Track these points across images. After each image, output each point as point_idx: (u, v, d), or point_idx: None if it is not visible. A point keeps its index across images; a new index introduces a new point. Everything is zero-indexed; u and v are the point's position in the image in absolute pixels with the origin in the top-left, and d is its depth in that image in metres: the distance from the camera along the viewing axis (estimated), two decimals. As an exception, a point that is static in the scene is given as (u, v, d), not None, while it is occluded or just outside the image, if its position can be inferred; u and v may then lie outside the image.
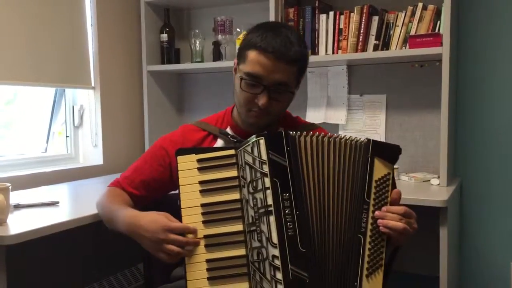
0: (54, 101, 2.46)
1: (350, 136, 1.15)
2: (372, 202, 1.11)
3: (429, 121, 2.26)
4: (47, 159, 2.38)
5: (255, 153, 1.10)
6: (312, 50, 2.28)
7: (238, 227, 1.12)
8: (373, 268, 1.08)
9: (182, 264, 1.15)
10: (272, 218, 1.06)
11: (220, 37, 2.50)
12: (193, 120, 1.53)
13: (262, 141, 1.10)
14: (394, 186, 1.15)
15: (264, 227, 1.06)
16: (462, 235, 2.29)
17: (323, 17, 2.26)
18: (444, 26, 1.96)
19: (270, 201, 1.06)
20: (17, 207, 1.62)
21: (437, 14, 2.05)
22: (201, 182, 1.15)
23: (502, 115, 2.19)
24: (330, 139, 1.13)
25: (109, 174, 2.47)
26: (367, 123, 2.40)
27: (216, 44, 2.56)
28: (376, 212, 1.10)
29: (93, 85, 2.47)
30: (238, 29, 2.48)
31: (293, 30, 1.32)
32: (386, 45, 2.15)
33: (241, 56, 1.31)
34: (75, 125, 2.51)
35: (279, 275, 1.03)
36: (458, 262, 2.26)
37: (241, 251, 1.11)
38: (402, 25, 2.11)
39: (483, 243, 2.26)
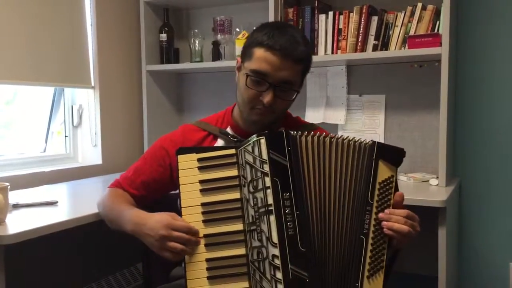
0: (53, 101, 2.46)
1: (354, 137, 1.15)
2: (375, 204, 1.11)
3: (428, 121, 2.26)
4: (46, 158, 2.38)
5: (256, 152, 1.10)
6: (311, 51, 2.27)
7: (238, 226, 1.12)
8: (375, 270, 1.08)
9: (181, 263, 1.15)
10: (272, 218, 1.05)
11: (219, 37, 2.50)
12: (192, 119, 1.54)
13: (262, 141, 1.10)
14: (396, 188, 1.16)
15: (264, 227, 1.06)
16: (461, 235, 2.29)
17: (322, 17, 2.26)
18: (443, 26, 1.97)
19: (270, 200, 1.06)
20: (16, 206, 1.62)
21: (436, 14, 2.05)
22: (201, 181, 1.15)
23: (501, 115, 2.19)
24: (332, 140, 1.13)
25: (108, 174, 2.47)
26: (366, 123, 2.40)
27: (216, 44, 2.56)
28: (381, 214, 1.10)
29: (92, 84, 2.47)
30: (237, 29, 2.48)
31: (299, 30, 1.33)
32: (385, 45, 2.16)
33: (246, 54, 1.30)
34: (74, 124, 2.51)
35: (279, 275, 1.03)
36: (457, 262, 2.27)
37: (241, 251, 1.11)
38: (401, 25, 2.11)
39: (482, 243, 2.26)
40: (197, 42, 2.59)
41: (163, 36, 2.67)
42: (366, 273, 1.08)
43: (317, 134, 1.13)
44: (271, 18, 2.26)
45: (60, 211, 1.63)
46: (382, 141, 2.29)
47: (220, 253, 1.11)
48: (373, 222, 1.10)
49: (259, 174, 1.09)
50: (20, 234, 1.32)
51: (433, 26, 2.05)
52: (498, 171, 2.21)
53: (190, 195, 1.15)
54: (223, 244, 1.12)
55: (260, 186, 1.08)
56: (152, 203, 1.41)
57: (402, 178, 2.15)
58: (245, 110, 1.32)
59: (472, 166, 2.26)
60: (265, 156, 1.09)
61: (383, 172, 1.13)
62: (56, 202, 1.70)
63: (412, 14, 2.09)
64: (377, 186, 1.12)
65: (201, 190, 1.15)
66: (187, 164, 1.17)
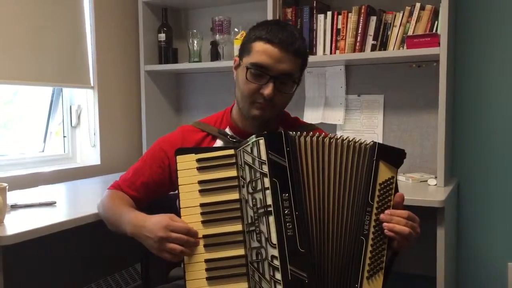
0: (52, 101, 2.46)
1: (354, 138, 1.15)
2: (375, 205, 1.11)
3: (426, 121, 2.26)
4: (45, 159, 2.37)
5: (255, 153, 1.10)
6: (310, 50, 2.28)
7: (237, 227, 1.12)
8: (374, 271, 1.08)
9: (180, 264, 1.15)
10: (271, 218, 1.06)
11: (218, 37, 2.50)
12: (191, 120, 1.54)
13: (261, 141, 1.10)
14: (397, 189, 1.16)
15: (263, 227, 1.06)
16: (459, 235, 2.30)
17: (321, 17, 2.26)
18: (442, 27, 1.97)
19: (269, 201, 1.06)
20: (14, 207, 1.62)
21: (435, 14, 2.05)
22: (200, 182, 1.15)
23: (500, 115, 2.19)
24: (332, 140, 1.13)
25: (106, 174, 2.46)
26: (364, 124, 2.40)
27: (214, 44, 2.56)
28: (382, 215, 1.10)
29: (92, 84, 2.47)
30: (236, 29, 2.48)
31: (295, 27, 1.34)
32: (383, 46, 2.16)
33: (245, 50, 1.31)
34: (73, 125, 2.51)
35: (278, 275, 1.03)
36: (455, 262, 2.27)
37: (240, 251, 1.11)
38: (400, 25, 2.11)
39: (480, 243, 2.26)
40: (195, 42, 2.59)
41: (162, 36, 2.66)
42: (366, 274, 1.08)
43: (316, 135, 1.13)
44: (270, 18, 2.26)
45: (58, 211, 1.63)
46: (380, 141, 2.29)
47: (219, 253, 1.11)
48: (373, 223, 1.10)
49: (258, 174, 1.09)
50: (19, 235, 1.32)
51: (431, 26, 2.05)
52: (496, 171, 2.21)
53: (189, 195, 1.15)
54: (222, 245, 1.11)
55: (259, 186, 1.08)
56: (152, 204, 1.41)
57: (400, 178, 2.16)
58: (245, 105, 1.32)
59: (471, 166, 2.26)
60: (264, 156, 1.09)
61: (384, 173, 1.13)
62: (55, 202, 1.69)
63: (411, 14, 2.09)
64: (378, 187, 1.12)
65: (200, 191, 1.15)
66: (186, 165, 1.16)
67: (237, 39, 2.41)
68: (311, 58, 2.23)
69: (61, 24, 2.29)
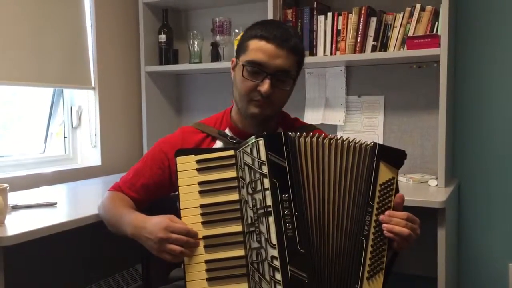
0: (52, 102, 2.46)
1: (354, 139, 1.15)
2: (376, 205, 1.11)
3: (427, 122, 2.26)
4: (45, 160, 2.38)
5: (254, 154, 1.10)
6: (310, 51, 2.28)
7: (237, 227, 1.12)
8: (374, 271, 1.09)
9: (180, 265, 1.15)
10: (271, 219, 1.06)
11: (218, 38, 2.50)
12: (191, 120, 1.54)
13: (261, 142, 1.10)
14: (397, 190, 1.16)
15: (263, 228, 1.07)
16: (460, 236, 2.30)
17: (321, 18, 2.26)
18: (442, 27, 1.97)
19: (269, 202, 1.06)
20: (15, 208, 1.62)
21: (435, 15, 2.06)
22: (200, 183, 1.15)
23: (500, 116, 2.19)
24: (331, 141, 1.13)
25: (107, 175, 2.47)
26: (365, 124, 2.40)
27: (215, 45, 2.56)
28: (381, 216, 1.10)
29: (93, 85, 2.47)
30: (236, 30, 2.48)
31: (290, 26, 1.34)
32: (384, 46, 2.16)
33: (241, 49, 1.31)
34: (73, 126, 2.51)
35: (278, 276, 1.03)
36: (456, 263, 2.27)
37: (240, 252, 1.11)
38: (400, 26, 2.11)
39: (481, 244, 2.26)
40: (196, 43, 2.59)
41: (162, 37, 2.67)
42: (366, 274, 1.08)
43: (316, 135, 1.13)
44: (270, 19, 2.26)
45: (59, 212, 1.64)
46: (381, 142, 2.30)
47: (219, 254, 1.11)
48: (373, 224, 1.10)
49: (257, 175, 1.09)
50: (19, 235, 1.32)
51: (431, 27, 2.05)
52: (497, 172, 2.21)
53: (189, 196, 1.15)
54: (222, 246, 1.12)
55: (259, 187, 1.08)
56: (152, 205, 1.41)
57: (401, 179, 2.15)
58: (243, 104, 1.32)
59: (471, 167, 2.26)
60: (263, 157, 1.09)
61: (384, 174, 1.13)
62: (55, 203, 1.70)
63: (411, 15, 2.09)
64: (378, 188, 1.12)
65: (200, 192, 1.15)
66: (186, 166, 1.17)
67: (237, 40, 2.41)
68: (311, 59, 2.27)
69: (61, 25, 2.29)
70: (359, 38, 2.18)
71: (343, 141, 1.13)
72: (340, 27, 2.22)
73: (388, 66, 2.32)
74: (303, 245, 1.05)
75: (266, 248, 1.05)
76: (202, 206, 1.14)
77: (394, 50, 2.13)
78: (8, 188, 1.44)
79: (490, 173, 2.22)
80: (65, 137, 2.50)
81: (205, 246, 1.12)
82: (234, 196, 1.14)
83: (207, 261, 1.11)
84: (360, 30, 2.17)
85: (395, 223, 1.10)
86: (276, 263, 1.04)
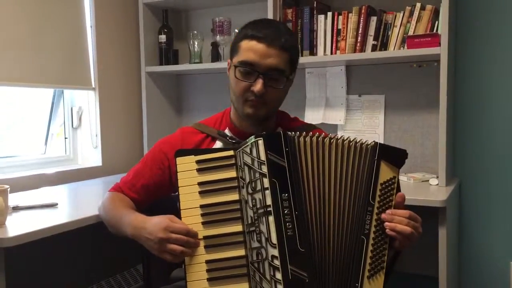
0: (53, 103, 2.47)
1: (355, 138, 1.15)
2: (376, 204, 1.11)
3: (427, 121, 2.26)
4: (46, 160, 2.38)
5: (254, 153, 1.10)
6: (310, 51, 2.28)
7: (238, 227, 1.12)
8: (375, 270, 1.08)
9: (181, 265, 1.15)
10: (271, 219, 1.06)
11: (218, 38, 2.50)
12: (192, 121, 1.54)
13: (260, 142, 1.10)
14: (398, 189, 1.16)
15: (263, 228, 1.07)
16: (461, 235, 2.29)
17: (321, 17, 2.26)
18: (442, 26, 1.97)
19: (269, 201, 1.07)
20: (16, 209, 1.62)
21: (435, 14, 2.05)
22: (200, 183, 1.15)
23: (500, 115, 2.19)
24: (332, 140, 1.13)
25: (108, 176, 2.47)
26: (365, 124, 2.40)
27: (215, 45, 2.56)
28: (383, 215, 1.10)
29: (93, 86, 2.47)
30: (236, 30, 2.47)
31: (283, 23, 1.34)
32: (384, 46, 2.16)
33: (233, 50, 1.32)
34: (74, 126, 2.51)
35: (278, 275, 1.03)
36: (457, 261, 2.26)
37: (241, 252, 1.11)
38: (400, 26, 2.11)
39: (482, 243, 2.26)
40: (196, 43, 2.60)
41: (162, 38, 2.67)
42: (367, 273, 1.08)
43: (316, 135, 1.13)
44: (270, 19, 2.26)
45: (60, 213, 1.64)
46: (381, 141, 2.30)
47: (219, 254, 1.11)
48: (374, 223, 1.10)
49: (257, 175, 1.09)
50: (20, 236, 1.32)
51: (432, 26, 2.05)
52: (498, 171, 2.21)
53: (189, 197, 1.15)
54: (223, 246, 1.12)
55: (259, 187, 1.08)
56: (153, 205, 1.41)
57: (402, 178, 2.15)
58: (239, 105, 1.32)
59: (472, 166, 2.25)
60: (263, 157, 1.09)
61: (385, 173, 1.13)
62: (56, 204, 1.70)
63: (411, 14, 2.09)
64: (379, 187, 1.12)
65: (200, 192, 1.15)
66: (186, 166, 1.17)
67: (237, 40, 2.41)
68: (311, 59, 2.28)
69: (61, 26, 2.30)
70: (359, 38, 2.18)
71: (343, 140, 1.13)
72: (340, 26, 2.22)
73: (388, 66, 2.32)
74: (303, 244, 1.05)
75: (267, 247, 1.05)
76: (202, 206, 1.14)
77: (394, 49, 2.12)
78: (9, 189, 1.44)
79: (490, 172, 2.22)
80: (65, 138, 2.51)
81: (205, 246, 1.12)
82: (234, 196, 1.14)
83: (207, 261, 1.11)
84: (360, 30, 2.17)
85: (397, 221, 1.10)
86: (277, 262, 1.04)
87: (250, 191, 1.10)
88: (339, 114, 2.44)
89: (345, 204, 1.11)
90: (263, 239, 1.06)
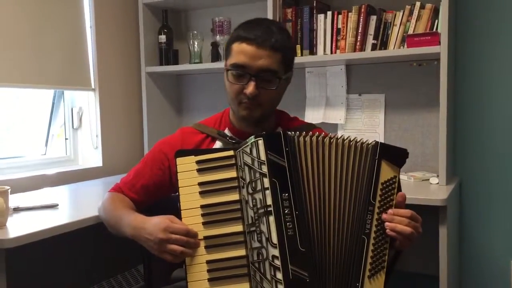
0: (53, 104, 2.47)
1: (355, 138, 1.15)
2: (377, 204, 1.11)
3: (427, 120, 2.26)
4: (47, 161, 2.38)
5: (254, 153, 1.10)
6: (310, 50, 2.28)
7: (238, 227, 1.12)
8: (376, 270, 1.08)
9: (182, 265, 1.15)
10: (271, 218, 1.06)
11: (218, 37, 2.50)
12: (192, 121, 1.54)
13: (260, 142, 1.10)
14: (399, 189, 1.16)
15: (263, 228, 1.07)
16: (461, 234, 2.29)
17: (321, 17, 2.26)
18: (442, 25, 1.96)
19: (269, 201, 1.07)
20: (17, 210, 1.62)
21: (435, 13, 2.05)
22: (200, 184, 1.15)
23: (501, 114, 2.19)
24: (332, 140, 1.13)
25: (108, 176, 2.47)
26: (366, 123, 2.40)
27: (215, 45, 2.56)
28: (383, 215, 1.10)
29: (93, 86, 2.47)
30: (236, 30, 2.48)
31: (276, 22, 1.34)
32: (384, 45, 2.16)
33: (227, 53, 1.32)
34: (74, 127, 2.51)
35: (279, 275, 1.03)
36: (458, 260, 2.26)
37: (241, 252, 1.11)
38: (400, 24, 2.11)
39: (483, 242, 2.26)
40: (196, 43, 2.60)
41: (162, 38, 2.67)
42: (367, 273, 1.08)
43: (316, 135, 1.13)
44: (270, 18, 2.26)
45: (60, 214, 1.64)
46: (382, 140, 2.30)
47: (220, 254, 1.11)
48: (375, 222, 1.10)
49: (257, 175, 1.09)
50: (21, 237, 1.33)
51: (431, 25, 2.05)
52: (498, 169, 2.20)
53: (189, 197, 1.15)
54: (223, 246, 1.12)
55: (259, 187, 1.08)
56: (152, 206, 1.41)
57: (402, 177, 2.15)
58: (234, 107, 1.32)
59: (472, 165, 2.25)
60: (263, 157, 1.09)
61: (386, 172, 1.13)
62: (57, 205, 1.70)
63: (411, 13, 2.09)
64: (380, 187, 1.12)
65: (200, 192, 1.15)
66: (186, 167, 1.17)
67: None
68: (311, 58, 2.27)
69: (61, 26, 2.30)
70: (359, 37, 2.17)
71: (343, 140, 1.13)
72: (340, 25, 2.22)
73: (388, 65, 2.32)
74: (304, 244, 1.05)
75: (267, 247, 1.05)
76: (202, 206, 1.14)
77: (394, 48, 2.12)
78: (9, 190, 1.44)
79: (491, 171, 2.22)
80: (66, 139, 2.51)
81: (206, 247, 1.12)
82: (235, 196, 1.14)
83: (208, 262, 1.11)
84: (360, 29, 2.17)
85: (397, 221, 1.10)
86: (277, 262, 1.04)
87: (250, 191, 1.10)
88: (339, 113, 2.44)
89: (346, 204, 1.11)
90: (264, 239, 1.06)
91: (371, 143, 1.14)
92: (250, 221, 1.10)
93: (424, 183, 2.06)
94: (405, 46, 2.08)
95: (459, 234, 2.28)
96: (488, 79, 2.21)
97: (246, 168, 1.12)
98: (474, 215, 2.27)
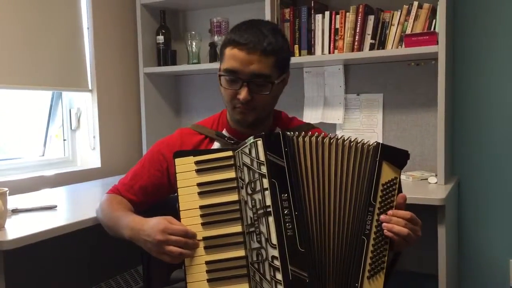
0: (51, 105, 2.46)
1: (356, 138, 1.15)
2: (377, 205, 1.11)
3: (426, 119, 2.26)
4: (45, 162, 2.38)
5: (253, 154, 1.10)
6: (308, 50, 2.28)
7: (237, 228, 1.12)
8: (375, 270, 1.08)
9: (181, 266, 1.15)
10: (271, 219, 1.06)
11: (216, 38, 2.50)
12: (190, 121, 1.53)
13: (259, 142, 1.10)
14: (400, 190, 1.16)
15: (263, 228, 1.07)
16: (460, 233, 2.30)
17: (319, 17, 2.26)
18: (440, 25, 1.97)
19: (268, 202, 1.06)
20: (15, 211, 1.62)
21: (433, 13, 2.05)
22: (199, 184, 1.15)
23: (499, 113, 2.19)
24: (332, 140, 1.13)
25: (107, 177, 2.46)
26: (364, 122, 2.40)
27: (213, 45, 2.56)
28: (382, 216, 1.10)
29: (90, 88, 2.47)
30: (234, 30, 2.48)
31: (269, 24, 1.31)
32: (382, 44, 2.16)
33: (220, 57, 1.31)
34: (72, 128, 2.51)
35: (278, 276, 1.03)
36: (456, 259, 2.27)
37: (241, 252, 1.11)
38: (398, 24, 2.11)
39: (481, 241, 2.26)
40: (194, 43, 2.59)
41: (160, 38, 2.67)
42: (367, 274, 1.08)
43: (315, 135, 1.13)
44: (267, 19, 2.26)
45: (59, 215, 1.63)
46: (380, 140, 2.30)
47: (219, 255, 1.11)
48: (375, 223, 1.10)
49: (256, 175, 1.09)
50: (19, 239, 1.32)
51: (429, 25, 2.05)
52: (496, 169, 2.21)
53: (188, 198, 1.15)
54: (223, 247, 1.12)
55: (258, 187, 1.08)
56: (151, 207, 1.41)
57: (401, 177, 2.15)
58: (229, 111, 1.33)
59: (471, 164, 2.26)
60: (262, 157, 1.09)
61: (387, 173, 1.13)
62: (55, 206, 1.70)
63: (409, 12, 2.09)
64: (380, 188, 1.12)
65: (199, 193, 1.15)
66: (185, 168, 1.17)
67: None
68: (309, 58, 2.28)
69: (59, 28, 2.29)
70: (357, 37, 2.18)
71: (343, 140, 1.13)
72: (337, 25, 2.22)
73: (386, 64, 2.32)
74: (303, 245, 1.05)
75: (267, 248, 1.05)
76: (201, 207, 1.14)
77: (392, 48, 2.13)
78: (8, 192, 1.43)
79: (489, 170, 2.22)
80: (64, 140, 2.50)
81: (205, 247, 1.11)
82: (234, 197, 1.13)
83: (207, 262, 1.11)
84: (357, 29, 2.17)
85: (395, 222, 1.10)
86: (277, 263, 1.04)
87: (249, 191, 1.10)
88: (337, 113, 2.44)
89: (346, 204, 1.11)
90: (263, 240, 1.06)
91: (372, 144, 1.14)
92: (249, 222, 1.10)
93: (423, 183, 2.07)
94: (403, 45, 2.08)
95: (457, 233, 2.28)
96: (486, 78, 2.21)
97: (245, 169, 1.12)
98: (472, 214, 2.27)
